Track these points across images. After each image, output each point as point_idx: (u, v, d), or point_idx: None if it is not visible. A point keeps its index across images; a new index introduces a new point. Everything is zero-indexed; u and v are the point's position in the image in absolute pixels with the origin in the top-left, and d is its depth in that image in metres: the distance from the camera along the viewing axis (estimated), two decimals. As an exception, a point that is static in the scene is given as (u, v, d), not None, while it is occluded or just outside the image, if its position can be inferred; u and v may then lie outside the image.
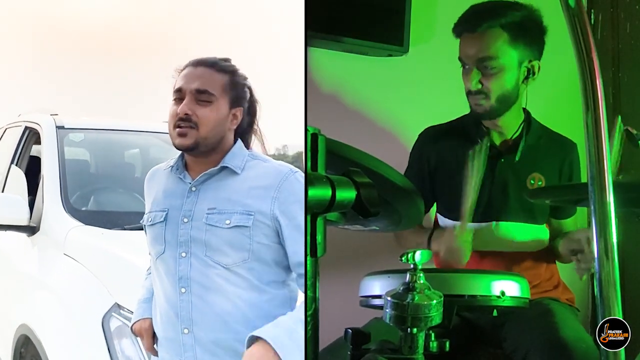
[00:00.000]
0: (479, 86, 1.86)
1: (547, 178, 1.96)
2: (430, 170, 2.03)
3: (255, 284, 1.29)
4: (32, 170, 2.69)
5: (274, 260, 1.31)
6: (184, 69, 1.39)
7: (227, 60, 1.40)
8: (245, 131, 1.42)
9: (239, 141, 1.39)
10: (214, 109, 1.35)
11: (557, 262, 2.06)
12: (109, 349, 1.70)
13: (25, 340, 2.04)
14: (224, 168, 1.34)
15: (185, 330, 1.29)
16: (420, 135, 2.09)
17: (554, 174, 1.97)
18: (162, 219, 1.35)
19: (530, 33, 1.87)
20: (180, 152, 1.39)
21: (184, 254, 1.31)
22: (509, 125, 1.96)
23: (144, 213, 1.44)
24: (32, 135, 2.84)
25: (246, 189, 1.31)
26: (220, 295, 1.28)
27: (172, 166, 1.39)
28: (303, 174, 1.27)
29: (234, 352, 1.27)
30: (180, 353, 1.30)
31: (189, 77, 1.36)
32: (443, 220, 2.04)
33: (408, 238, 2.05)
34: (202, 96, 1.34)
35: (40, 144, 2.67)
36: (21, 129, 2.90)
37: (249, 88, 1.41)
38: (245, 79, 1.41)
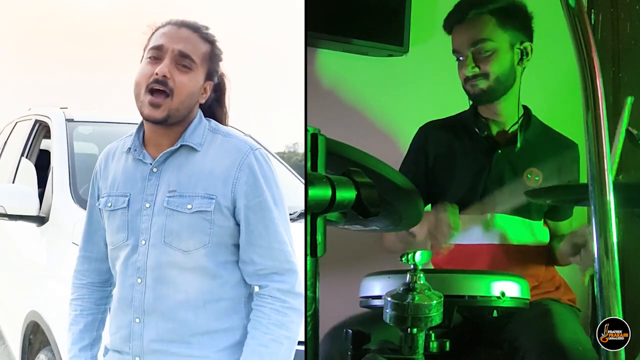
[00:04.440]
0: (476, 70, 1.91)
1: (545, 175, 1.96)
2: (427, 165, 2.04)
3: (210, 269, 1.27)
4: (42, 164, 2.73)
5: (232, 242, 1.29)
6: (163, 26, 1.31)
7: (207, 28, 1.33)
8: (212, 107, 1.37)
9: (198, 114, 1.32)
10: (192, 78, 1.28)
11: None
12: None
13: (35, 327, 2.09)
14: (184, 145, 1.29)
15: (137, 320, 1.28)
16: (419, 129, 2.10)
17: (552, 172, 1.97)
18: (124, 205, 1.30)
19: (517, 17, 1.94)
20: (135, 129, 1.34)
21: (143, 242, 1.27)
22: (507, 114, 1.98)
23: None
24: (42, 129, 2.89)
25: (207, 169, 1.27)
26: (174, 286, 1.26)
27: (130, 147, 1.32)
28: (264, 151, 1.31)
29: (180, 339, 1.27)
30: (129, 340, 1.29)
31: (172, 37, 1.28)
32: None
33: (387, 236, 2.06)
34: (184, 61, 1.27)
35: (50, 137, 2.71)
36: (31, 123, 2.95)
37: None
38: (221, 52, 1.34)
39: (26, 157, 2.81)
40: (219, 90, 1.38)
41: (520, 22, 1.94)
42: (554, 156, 1.98)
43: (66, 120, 2.66)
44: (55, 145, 2.55)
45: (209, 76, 1.32)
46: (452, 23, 1.96)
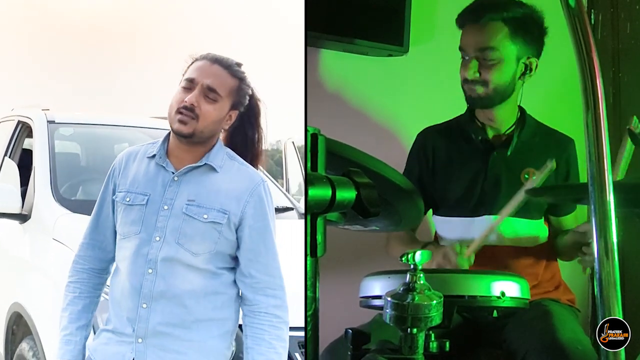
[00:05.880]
0: (477, 75, 1.90)
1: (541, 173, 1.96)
2: (428, 170, 2.04)
3: (211, 270, 1.44)
4: (25, 163, 2.79)
5: (229, 253, 1.46)
6: (200, 59, 1.49)
7: (239, 65, 1.50)
8: (245, 129, 1.52)
9: (219, 141, 1.50)
10: (217, 108, 1.46)
11: (559, 261, 2.06)
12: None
13: (17, 318, 2.21)
14: (206, 164, 1.46)
15: (144, 305, 1.42)
16: (417, 136, 2.11)
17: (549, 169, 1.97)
18: (143, 202, 1.45)
19: (530, 30, 1.91)
20: (161, 140, 1.50)
21: (158, 238, 1.43)
22: (503, 120, 1.99)
23: None
24: (24, 129, 2.94)
25: (224, 188, 1.45)
26: (181, 278, 1.42)
27: (155, 154, 1.48)
28: (270, 184, 1.52)
29: (182, 324, 1.42)
30: (134, 323, 1.42)
31: (203, 72, 1.46)
32: (440, 226, 2.05)
33: (395, 248, 2.07)
34: (210, 94, 1.45)
35: (32, 137, 2.78)
36: (14, 123, 3.00)
37: (251, 93, 1.52)
38: (249, 86, 1.51)
39: (9, 157, 2.85)
40: (252, 113, 1.53)
41: (531, 36, 1.91)
42: (549, 153, 1.99)
43: (47, 121, 2.73)
44: (37, 147, 2.63)
45: (235, 106, 1.49)
46: (465, 21, 1.94)
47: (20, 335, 2.24)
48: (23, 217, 2.42)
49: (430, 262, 1.81)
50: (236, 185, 1.46)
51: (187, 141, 1.45)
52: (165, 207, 1.44)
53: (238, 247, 1.46)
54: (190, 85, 1.45)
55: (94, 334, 1.57)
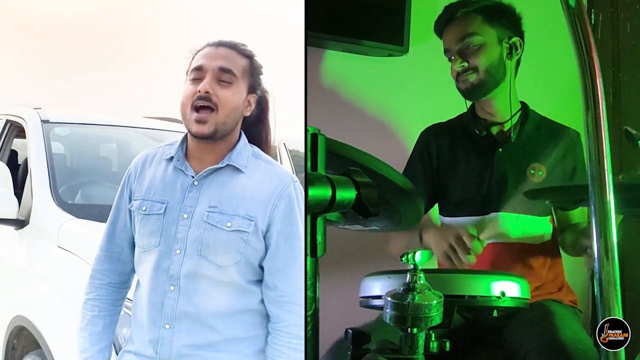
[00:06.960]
0: (465, 64, 1.94)
1: (548, 168, 1.96)
2: (432, 168, 2.05)
3: (241, 285, 1.31)
4: (11, 164, 2.69)
5: (258, 264, 1.32)
6: (202, 48, 1.36)
7: (244, 45, 1.37)
8: (255, 123, 1.40)
9: (243, 136, 1.36)
10: (235, 91, 1.32)
11: (563, 258, 2.05)
12: None
13: (19, 331, 2.06)
14: (229, 165, 1.32)
15: (167, 326, 1.30)
16: (421, 133, 2.11)
17: (556, 164, 1.98)
18: (160, 211, 1.32)
19: (504, 15, 1.97)
20: (179, 140, 1.37)
21: (178, 251, 1.29)
22: (503, 111, 1.99)
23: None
24: (13, 129, 2.84)
25: (250, 191, 1.30)
26: (206, 296, 1.29)
27: (173, 156, 1.35)
28: (301, 184, 1.32)
29: (208, 345, 1.30)
30: (156, 345, 1.30)
31: (210, 56, 1.33)
32: (443, 220, 2.05)
33: (395, 240, 2.06)
34: (224, 76, 1.31)
35: (20, 137, 2.67)
36: (2, 123, 2.89)
37: (261, 82, 1.40)
38: (261, 65, 1.38)
39: None
40: (261, 106, 1.40)
41: (507, 20, 1.96)
42: (555, 147, 1.99)
43: (42, 121, 2.61)
44: (33, 147, 2.49)
45: (252, 89, 1.36)
46: (441, 24, 2.00)
47: (20, 349, 2.11)
48: (20, 223, 2.29)
49: (440, 243, 1.82)
50: (263, 187, 1.30)
51: (212, 140, 1.31)
52: (185, 216, 1.30)
53: (265, 256, 1.31)
54: (199, 74, 1.31)
55: (116, 354, 1.48)
